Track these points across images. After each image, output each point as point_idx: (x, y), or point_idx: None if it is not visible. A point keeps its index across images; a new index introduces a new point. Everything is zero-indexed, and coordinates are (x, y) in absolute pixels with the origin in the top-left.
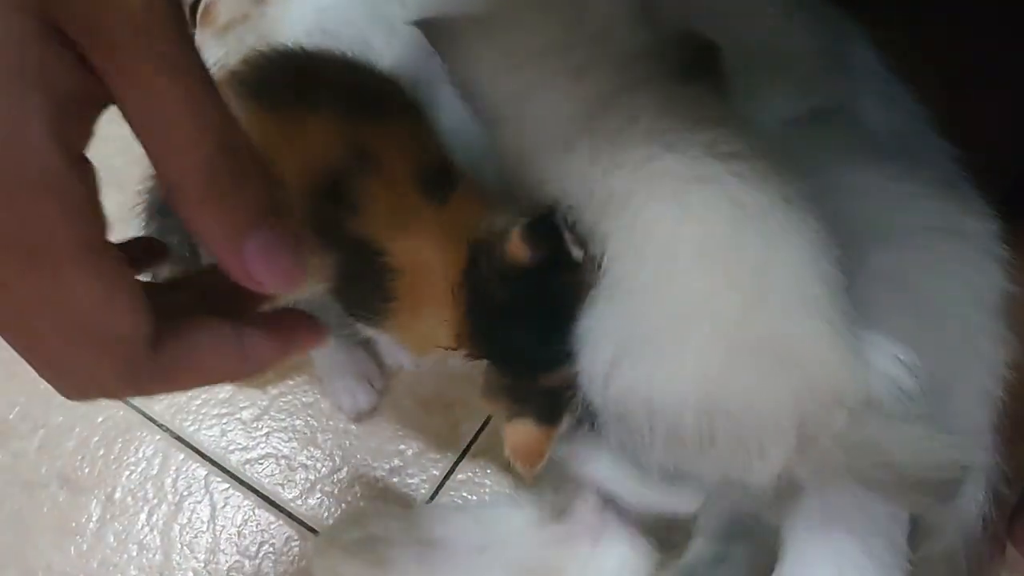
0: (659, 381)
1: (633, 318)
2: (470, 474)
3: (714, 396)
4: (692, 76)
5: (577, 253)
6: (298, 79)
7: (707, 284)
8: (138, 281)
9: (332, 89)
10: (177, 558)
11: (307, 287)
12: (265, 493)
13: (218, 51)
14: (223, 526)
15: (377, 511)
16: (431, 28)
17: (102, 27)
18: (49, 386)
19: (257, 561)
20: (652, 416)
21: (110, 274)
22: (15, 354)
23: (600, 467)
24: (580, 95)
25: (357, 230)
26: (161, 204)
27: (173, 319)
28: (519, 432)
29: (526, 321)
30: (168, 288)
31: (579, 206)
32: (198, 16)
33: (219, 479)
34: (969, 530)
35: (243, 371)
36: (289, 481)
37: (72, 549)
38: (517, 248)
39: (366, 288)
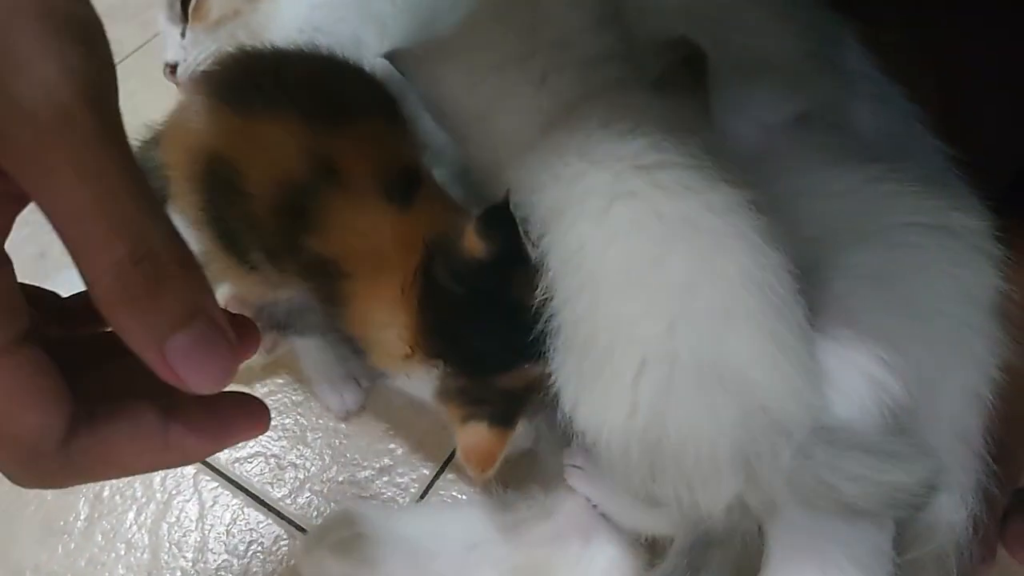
0: (605, 415)
1: (581, 350)
2: (460, 473)
3: (652, 428)
4: (669, 83)
5: (532, 249)
6: (264, 84)
7: (632, 309)
8: (55, 372)
9: (298, 95)
10: (165, 557)
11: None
12: (254, 492)
13: (210, 46)
14: (212, 525)
15: (366, 510)
16: (397, 58)
17: (4, 131)
18: None
19: (246, 560)
20: (606, 449)
21: (18, 373)
22: None
23: (589, 486)
24: (540, 105)
25: (317, 244)
26: None
27: (96, 402)
28: (472, 435)
29: (482, 320)
30: (99, 357)
31: (528, 218)
32: (190, 11)
33: (208, 477)
34: (959, 533)
35: (165, 463)
36: (278, 480)
37: (60, 548)
38: (473, 243)
39: (324, 294)
